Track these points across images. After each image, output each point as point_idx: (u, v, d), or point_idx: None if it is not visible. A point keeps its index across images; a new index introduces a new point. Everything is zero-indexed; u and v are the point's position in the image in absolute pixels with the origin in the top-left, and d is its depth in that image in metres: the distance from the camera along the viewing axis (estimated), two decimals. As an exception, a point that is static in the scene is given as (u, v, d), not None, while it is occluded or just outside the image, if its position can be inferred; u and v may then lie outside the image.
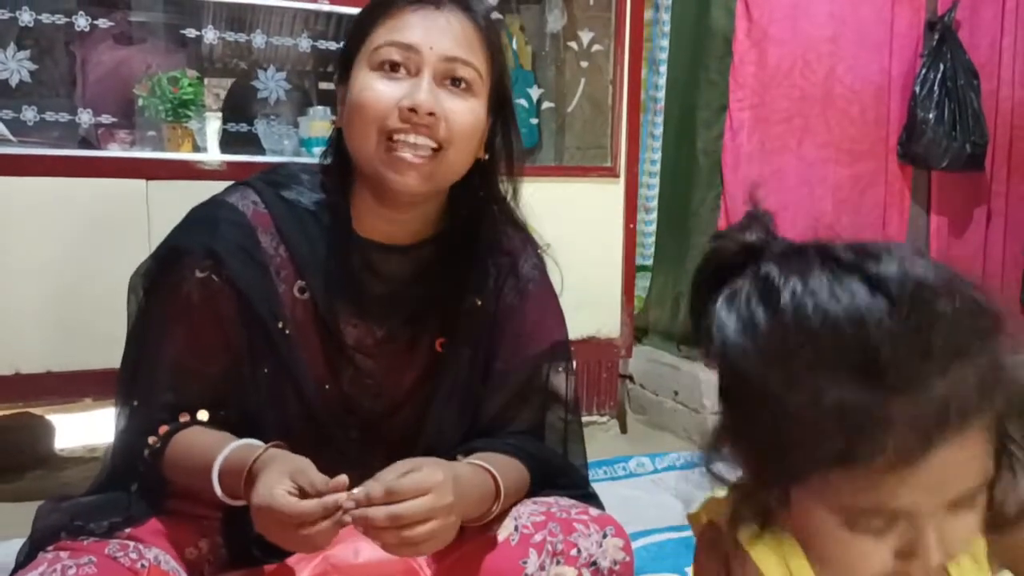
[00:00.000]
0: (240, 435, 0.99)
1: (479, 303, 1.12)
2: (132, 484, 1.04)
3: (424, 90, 0.98)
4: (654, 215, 3.05)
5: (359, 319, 1.08)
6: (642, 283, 3.07)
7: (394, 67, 0.99)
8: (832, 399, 0.58)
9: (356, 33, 1.04)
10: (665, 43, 2.95)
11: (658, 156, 3.01)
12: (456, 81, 1.01)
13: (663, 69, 2.97)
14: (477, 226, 1.11)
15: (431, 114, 0.98)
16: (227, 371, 1.05)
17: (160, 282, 1.05)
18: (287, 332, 1.05)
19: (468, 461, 1.01)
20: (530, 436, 1.14)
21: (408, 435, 1.08)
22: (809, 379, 0.59)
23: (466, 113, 1.01)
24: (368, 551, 1.04)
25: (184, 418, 1.04)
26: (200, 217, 1.07)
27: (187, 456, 1.01)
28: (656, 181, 3.03)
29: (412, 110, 0.97)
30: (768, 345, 0.62)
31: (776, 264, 0.67)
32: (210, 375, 1.05)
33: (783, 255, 0.69)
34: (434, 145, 1.00)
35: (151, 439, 1.03)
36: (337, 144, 1.08)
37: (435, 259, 1.11)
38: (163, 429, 1.03)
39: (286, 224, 1.06)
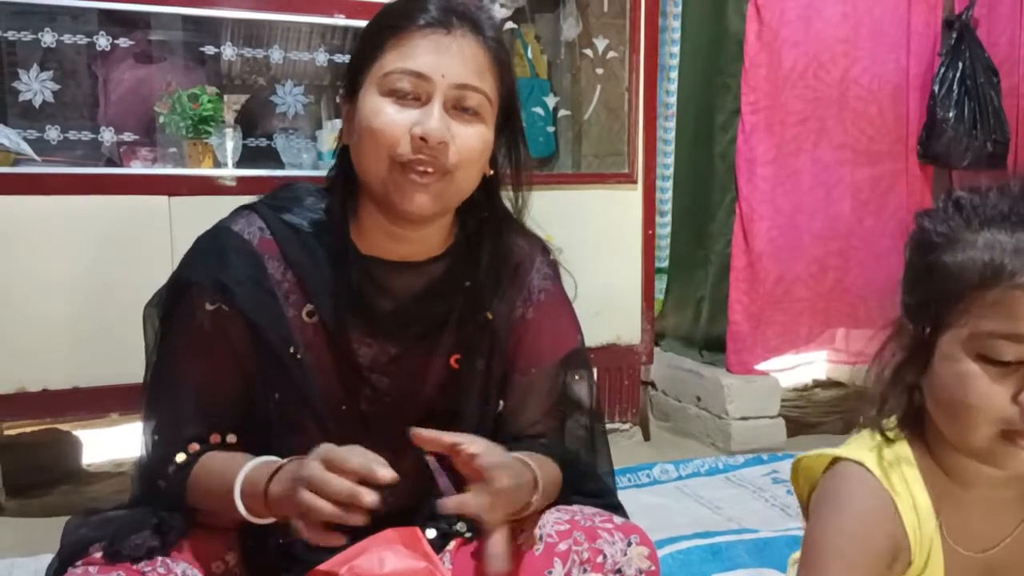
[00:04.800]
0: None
1: (490, 317, 1.12)
2: (151, 510, 1.04)
3: (435, 118, 0.98)
4: (668, 218, 3.05)
5: (372, 338, 1.08)
6: (659, 285, 3.06)
7: (405, 92, 1.00)
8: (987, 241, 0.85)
9: (365, 52, 1.04)
10: (676, 49, 2.95)
11: (670, 160, 3.01)
12: (466, 107, 1.02)
13: (674, 75, 2.97)
14: (486, 240, 1.12)
15: (441, 142, 0.99)
16: (244, 398, 1.06)
17: (173, 313, 1.07)
18: (299, 357, 1.05)
19: (516, 456, 1.01)
20: (557, 443, 1.14)
21: (428, 452, 1.08)
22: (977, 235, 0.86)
23: (475, 138, 1.02)
24: (393, 561, 1.04)
25: (215, 439, 1.05)
26: (208, 248, 1.08)
27: (209, 476, 1.01)
28: (669, 185, 3.03)
29: (423, 139, 0.98)
30: (963, 222, 0.88)
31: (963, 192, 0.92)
32: (229, 403, 1.06)
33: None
34: (444, 170, 1.01)
35: (179, 457, 1.03)
36: (341, 161, 1.08)
37: (445, 275, 1.11)
38: (193, 447, 1.04)
39: (291, 249, 1.07)
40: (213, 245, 1.07)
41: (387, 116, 0.99)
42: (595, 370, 2.66)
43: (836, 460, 0.95)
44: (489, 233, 1.11)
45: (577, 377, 1.17)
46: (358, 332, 1.08)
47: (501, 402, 1.15)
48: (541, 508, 1.04)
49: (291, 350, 1.05)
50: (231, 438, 1.06)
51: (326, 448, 0.88)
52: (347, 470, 0.86)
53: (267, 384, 1.05)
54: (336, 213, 1.08)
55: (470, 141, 1.01)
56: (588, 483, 1.13)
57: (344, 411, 1.08)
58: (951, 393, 0.86)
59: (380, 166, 1.01)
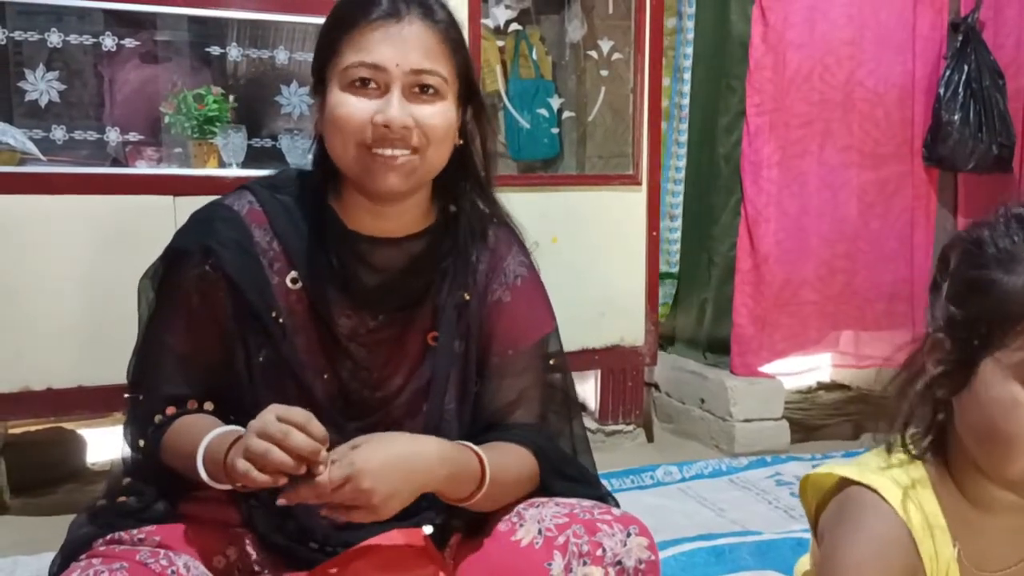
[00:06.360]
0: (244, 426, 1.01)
1: (467, 298, 1.16)
2: (126, 478, 1.09)
3: (395, 106, 1.03)
4: (679, 222, 3.04)
5: (352, 310, 1.12)
6: (668, 290, 3.06)
7: (364, 82, 1.05)
8: None
9: (324, 49, 1.09)
10: (689, 51, 2.95)
11: (683, 163, 3.01)
12: (425, 88, 1.06)
13: (687, 76, 2.96)
14: (462, 214, 1.16)
15: (404, 127, 1.04)
16: (227, 366, 1.10)
17: (163, 282, 1.12)
18: (281, 321, 1.09)
19: (455, 443, 1.04)
20: (534, 428, 1.16)
21: (407, 426, 1.10)
22: None
23: (437, 116, 1.06)
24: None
25: (192, 405, 1.10)
26: (198, 219, 1.14)
27: (179, 438, 1.05)
28: (681, 188, 3.03)
29: (386, 126, 1.03)
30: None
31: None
32: (213, 368, 1.10)
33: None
34: (414, 148, 1.06)
35: (157, 417, 1.08)
36: (320, 146, 1.13)
37: (424, 252, 1.15)
38: (171, 410, 1.09)
39: (278, 220, 1.12)
40: (203, 216, 1.13)
41: (350, 107, 1.04)
42: (599, 371, 2.68)
43: (847, 481, 0.92)
44: (466, 206, 1.16)
45: (553, 362, 1.20)
46: (339, 303, 1.12)
47: (478, 381, 1.17)
48: (507, 500, 1.07)
49: (273, 314, 1.09)
50: (208, 405, 1.10)
51: (282, 408, 0.91)
52: (305, 430, 0.89)
53: (250, 349, 1.09)
54: (317, 192, 1.13)
55: (433, 120, 1.06)
56: (568, 468, 1.15)
57: (326, 380, 1.12)
58: (992, 418, 0.82)
59: (349, 152, 1.06)
